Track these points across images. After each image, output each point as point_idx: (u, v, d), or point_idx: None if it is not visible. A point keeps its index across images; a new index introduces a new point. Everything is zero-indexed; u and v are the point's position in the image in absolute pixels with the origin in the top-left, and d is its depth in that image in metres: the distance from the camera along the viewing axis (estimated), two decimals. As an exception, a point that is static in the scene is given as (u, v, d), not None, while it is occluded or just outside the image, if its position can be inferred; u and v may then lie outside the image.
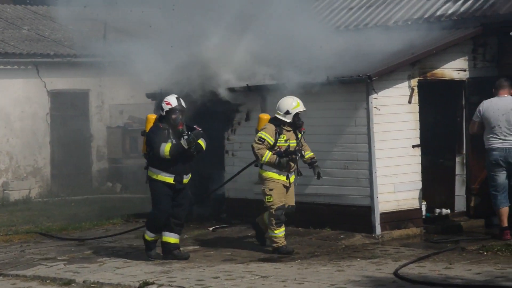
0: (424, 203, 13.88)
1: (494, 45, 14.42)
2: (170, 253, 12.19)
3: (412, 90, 13.57)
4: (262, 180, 12.38)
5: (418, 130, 13.64)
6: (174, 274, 11.29)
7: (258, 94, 14.78)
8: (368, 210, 13.29)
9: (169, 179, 12.05)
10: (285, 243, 12.30)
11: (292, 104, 12.28)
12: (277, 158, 12.17)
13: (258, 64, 14.73)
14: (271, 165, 12.23)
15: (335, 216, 13.58)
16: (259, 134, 12.29)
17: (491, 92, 13.09)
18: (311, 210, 13.88)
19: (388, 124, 13.34)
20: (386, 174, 13.28)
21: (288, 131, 12.29)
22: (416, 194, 13.61)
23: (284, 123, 12.27)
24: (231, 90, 14.80)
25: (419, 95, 13.67)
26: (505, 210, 12.72)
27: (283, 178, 12.27)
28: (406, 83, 13.56)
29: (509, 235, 12.52)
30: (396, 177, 13.37)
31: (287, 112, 12.26)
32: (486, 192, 13.25)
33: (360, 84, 13.20)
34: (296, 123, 12.30)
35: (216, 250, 12.88)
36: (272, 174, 12.27)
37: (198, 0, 15.11)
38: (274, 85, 14.34)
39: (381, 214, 13.27)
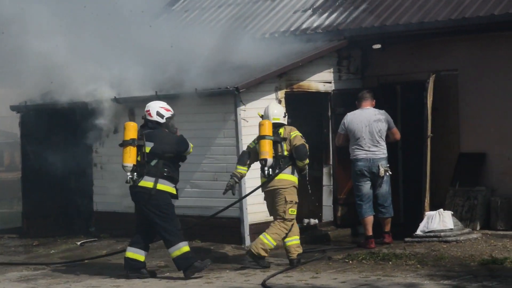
0: (292, 214, 14.02)
1: (358, 58, 14.77)
2: (191, 265, 11.30)
3: (280, 102, 13.73)
4: (290, 188, 11.75)
5: (286, 141, 13.79)
6: (40, 290, 11.06)
7: (127, 106, 14.65)
8: (237, 221, 13.34)
9: (174, 190, 11.51)
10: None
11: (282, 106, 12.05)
12: None
13: (126, 75, 14.62)
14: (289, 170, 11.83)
15: (205, 228, 13.57)
16: (300, 134, 11.81)
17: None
18: (181, 222, 13.80)
19: (256, 136, 13.42)
20: (255, 185, 13.35)
21: None
22: (284, 204, 13.74)
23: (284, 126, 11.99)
24: (99, 102, 14.62)
25: (286, 106, 13.83)
26: (369, 219, 13.01)
27: None
28: (273, 95, 13.71)
29: (373, 244, 12.80)
30: (265, 188, 13.46)
31: (285, 115, 12.05)
32: (352, 202, 13.52)
33: (228, 96, 13.27)
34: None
35: (84, 265, 12.67)
36: (297, 180, 11.92)
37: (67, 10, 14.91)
38: (142, 97, 14.24)
39: (250, 225, 13.34)
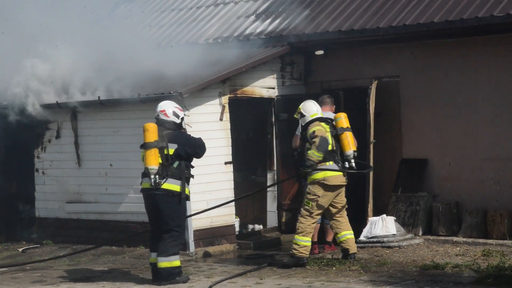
0: (237, 220, 14.06)
1: (301, 64, 14.84)
2: (173, 279, 11.16)
3: (223, 107, 13.73)
4: None
5: (230, 147, 13.81)
6: (-21, 299, 10.91)
7: (68, 111, 14.52)
8: (181, 227, 13.29)
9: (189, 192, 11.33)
10: None
11: None
12: None
13: (69, 80, 14.51)
14: None
15: (149, 234, 13.49)
16: None
17: (300, 109, 13.39)
18: (124, 229, 13.76)
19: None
20: (199, 191, 13.33)
21: None
22: (229, 210, 13.74)
23: None
24: (41, 106, 14.47)
25: (230, 112, 13.85)
26: (315, 226, 13.01)
27: None
28: (217, 100, 13.71)
29: (317, 249, 12.87)
30: (209, 194, 13.46)
31: None
32: (296, 207, 13.54)
33: (172, 101, 13.17)
34: None
35: (25, 271, 12.53)
36: None
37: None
38: (84, 102, 14.15)
39: (195, 231, 13.33)
